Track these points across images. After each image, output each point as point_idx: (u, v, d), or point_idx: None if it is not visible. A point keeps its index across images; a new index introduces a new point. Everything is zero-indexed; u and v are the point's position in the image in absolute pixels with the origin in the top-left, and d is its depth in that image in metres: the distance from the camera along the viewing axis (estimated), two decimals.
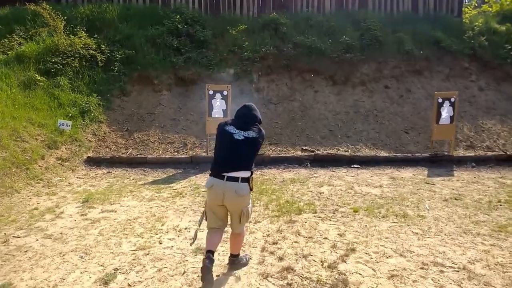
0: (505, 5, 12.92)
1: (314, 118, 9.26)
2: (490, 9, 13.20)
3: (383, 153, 8.21)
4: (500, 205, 5.18)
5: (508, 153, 7.92)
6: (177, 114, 9.13)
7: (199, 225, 3.22)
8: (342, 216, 4.70)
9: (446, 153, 7.97)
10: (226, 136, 3.00)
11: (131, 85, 9.61)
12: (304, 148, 8.32)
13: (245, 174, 2.94)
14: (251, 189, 3.00)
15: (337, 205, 5.10)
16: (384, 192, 5.76)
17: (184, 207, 5.04)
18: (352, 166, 7.47)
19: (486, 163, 7.68)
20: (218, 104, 7.61)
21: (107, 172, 6.99)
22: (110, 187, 6.04)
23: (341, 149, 8.33)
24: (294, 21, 11.18)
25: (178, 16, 10.51)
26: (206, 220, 3.14)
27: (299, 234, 4.10)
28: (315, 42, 10.37)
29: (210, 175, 3.02)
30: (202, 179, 6.49)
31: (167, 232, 4.18)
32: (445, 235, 4.11)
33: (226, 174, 2.91)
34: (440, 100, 7.83)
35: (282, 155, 7.73)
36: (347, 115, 9.41)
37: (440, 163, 7.67)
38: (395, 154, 7.85)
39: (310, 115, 9.36)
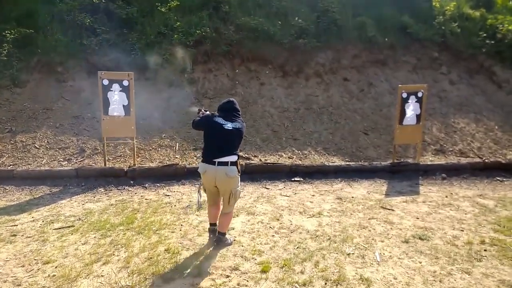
0: None
1: (256, 116, 7.29)
2: None
3: (336, 160, 6.35)
4: (485, 250, 3.39)
5: (485, 160, 6.23)
6: (83, 111, 6.91)
7: (198, 205, 3.68)
8: (239, 284, 2.76)
9: (410, 161, 6.21)
10: (216, 126, 3.20)
11: (28, 74, 7.28)
12: (239, 154, 6.34)
13: (233, 158, 3.20)
14: (239, 172, 3.23)
15: (242, 257, 3.14)
16: (321, 226, 3.85)
17: None
18: (293, 179, 5.57)
19: (460, 173, 5.94)
20: (117, 99, 5.48)
21: None
22: None
23: (284, 156, 6.41)
24: None
25: None
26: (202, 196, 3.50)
27: None
28: (262, 24, 8.36)
29: (202, 161, 3.25)
30: (75, 205, 4.42)
31: None
32: None
33: (217, 160, 3.14)
34: (404, 95, 6.00)
35: None
36: (296, 113, 7.49)
37: (403, 173, 5.88)
38: (348, 163, 5.99)
39: (252, 112, 7.38)
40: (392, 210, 4.35)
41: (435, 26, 8.95)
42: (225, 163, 3.11)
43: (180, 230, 3.65)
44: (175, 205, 4.35)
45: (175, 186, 5.12)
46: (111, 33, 8.00)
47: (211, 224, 3.44)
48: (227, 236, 3.44)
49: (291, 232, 3.68)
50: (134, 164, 5.57)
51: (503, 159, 6.35)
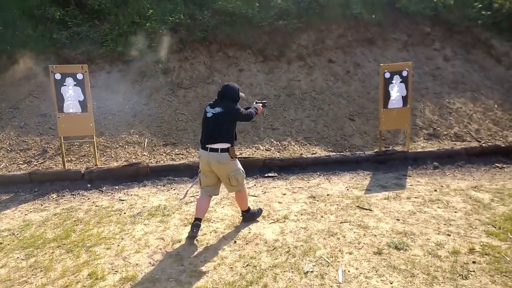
0: None
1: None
2: None
3: (317, 151, 5.61)
4: (474, 262, 2.67)
5: (483, 144, 5.39)
6: (51, 108, 6.22)
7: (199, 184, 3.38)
8: None
9: (398, 149, 5.41)
10: (204, 114, 3.21)
11: None
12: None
13: (223, 145, 3.10)
14: (232, 158, 3.12)
15: (177, 281, 2.49)
16: (283, 234, 3.17)
17: None
18: (266, 175, 4.87)
19: (454, 160, 5.13)
20: (72, 94, 4.79)
21: None
22: None
23: (261, 148, 5.69)
24: None
25: None
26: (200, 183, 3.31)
27: None
28: (240, 7, 7.48)
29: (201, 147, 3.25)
30: (17, 215, 3.81)
31: None
32: None
33: (209, 146, 3.11)
34: (387, 75, 5.15)
35: (168, 163, 5.04)
36: (277, 100, 6.70)
37: (390, 163, 5.11)
38: (328, 154, 5.24)
39: None
40: (370, 210, 3.63)
41: None
42: (215, 150, 3.09)
43: (118, 245, 3.02)
44: (125, 212, 3.71)
45: (135, 189, 4.47)
46: (83, 26, 7.28)
47: (195, 219, 3.18)
48: (251, 211, 3.46)
49: (246, 244, 3.01)
50: (96, 165, 4.94)
51: (502, 143, 5.50)
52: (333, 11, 7.74)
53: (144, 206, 3.88)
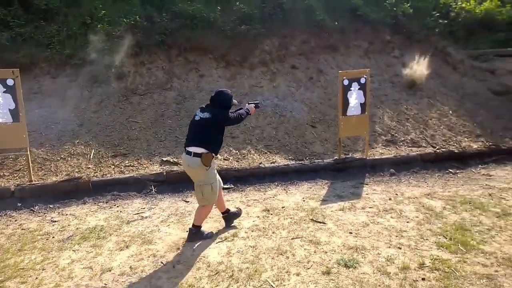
0: None
1: (192, 113, 6.22)
2: None
3: (277, 159, 5.45)
4: (423, 278, 2.55)
5: (437, 150, 5.47)
6: None
7: None
8: None
9: (357, 156, 5.37)
10: (193, 117, 3.21)
11: None
12: (165, 159, 5.34)
13: (198, 150, 3.02)
14: (204, 164, 3.01)
15: None
16: (230, 255, 2.91)
17: None
18: (222, 186, 4.63)
19: (410, 166, 5.16)
20: (1, 102, 4.32)
21: None
22: None
23: (219, 157, 5.44)
24: None
25: None
26: None
27: None
28: (201, 10, 7.24)
29: None
30: None
31: None
32: None
33: (187, 149, 3.09)
34: (346, 82, 5.11)
35: (114, 177, 4.65)
36: (238, 107, 6.50)
37: (349, 171, 5.04)
38: (286, 163, 5.09)
39: (187, 108, 6.32)
40: (324, 223, 3.48)
41: (386, 7, 8.06)
42: (189, 153, 3.05)
43: (36, 278, 2.64)
44: (53, 237, 3.30)
45: (72, 207, 4.05)
46: (28, 26, 6.71)
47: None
48: (202, 229, 3.29)
49: (187, 269, 2.74)
50: (31, 180, 4.46)
51: (456, 148, 5.62)
52: (297, 17, 7.69)
53: (77, 228, 3.49)
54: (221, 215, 3.50)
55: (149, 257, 2.93)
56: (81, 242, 3.23)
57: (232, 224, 3.49)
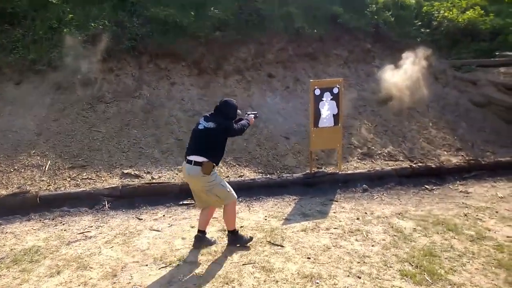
0: None
1: (160, 123, 5.99)
2: None
3: (246, 173, 5.21)
4: None
5: (413, 165, 5.30)
6: None
7: None
8: None
9: (329, 171, 5.17)
10: (196, 125, 3.18)
11: None
12: (126, 172, 5.06)
13: (199, 158, 3.01)
14: (204, 173, 3.00)
15: None
16: (170, 284, 2.64)
17: None
18: (181, 202, 4.37)
19: (384, 182, 4.95)
20: None
21: None
22: None
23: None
24: None
25: None
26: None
27: None
28: (174, 15, 7.04)
29: None
30: None
31: None
32: None
33: (188, 157, 3.08)
34: (317, 92, 4.92)
35: (64, 191, 4.33)
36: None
37: (319, 186, 4.81)
38: (253, 178, 4.84)
39: (155, 117, 6.07)
40: (282, 246, 3.23)
41: (367, 15, 7.98)
42: (190, 162, 3.04)
43: None
44: None
45: (15, 224, 3.75)
46: None
47: (198, 230, 3.29)
48: (239, 233, 3.29)
49: None
50: None
51: (433, 163, 5.44)
52: (274, 24, 7.54)
53: (12, 249, 3.19)
54: (197, 231, 3.29)
55: (78, 286, 2.65)
56: (10, 266, 2.94)
57: (197, 248, 3.19)
